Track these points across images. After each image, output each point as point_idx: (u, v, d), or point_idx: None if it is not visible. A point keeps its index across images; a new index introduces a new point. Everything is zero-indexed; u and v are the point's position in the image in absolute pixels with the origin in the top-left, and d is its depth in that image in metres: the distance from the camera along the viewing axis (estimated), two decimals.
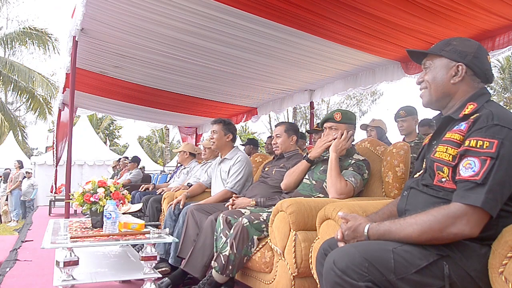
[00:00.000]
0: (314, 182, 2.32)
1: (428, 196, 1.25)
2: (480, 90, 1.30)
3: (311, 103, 6.28)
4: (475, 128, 1.17)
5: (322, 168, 2.32)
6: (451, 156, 1.20)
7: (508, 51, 3.52)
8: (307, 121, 19.37)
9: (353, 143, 2.38)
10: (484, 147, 1.12)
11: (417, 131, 3.46)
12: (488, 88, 1.38)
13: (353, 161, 2.23)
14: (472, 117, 1.20)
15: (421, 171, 1.33)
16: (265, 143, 5.61)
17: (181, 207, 3.03)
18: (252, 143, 5.53)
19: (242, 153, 3.16)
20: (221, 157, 3.21)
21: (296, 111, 18.50)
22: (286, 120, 15.68)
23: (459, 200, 1.12)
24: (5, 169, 11.49)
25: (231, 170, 3.05)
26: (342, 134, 2.23)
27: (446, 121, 1.32)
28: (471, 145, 1.15)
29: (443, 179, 1.21)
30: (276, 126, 2.90)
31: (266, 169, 2.86)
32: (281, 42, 4.04)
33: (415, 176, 1.36)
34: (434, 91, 1.34)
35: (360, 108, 20.81)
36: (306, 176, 2.38)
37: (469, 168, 1.12)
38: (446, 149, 1.22)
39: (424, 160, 1.35)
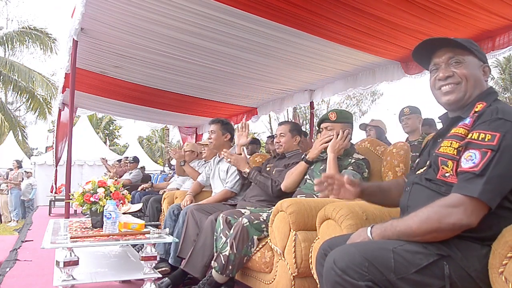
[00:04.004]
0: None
1: (431, 191, 1.24)
2: (488, 89, 1.30)
3: (311, 103, 6.28)
4: (479, 121, 1.17)
5: (322, 167, 2.32)
6: (455, 150, 1.19)
7: (508, 51, 3.52)
8: (307, 121, 19.34)
9: (352, 142, 2.37)
10: (486, 139, 1.12)
11: (421, 131, 3.48)
12: None
13: (353, 160, 2.23)
14: (477, 112, 1.20)
15: (425, 168, 1.32)
16: (265, 143, 5.64)
17: (187, 203, 3.05)
18: (255, 142, 5.62)
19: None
20: (218, 156, 3.22)
21: (296, 111, 18.46)
22: (287, 120, 15.64)
23: (457, 191, 1.12)
24: (7, 169, 11.50)
25: (230, 170, 3.05)
26: (338, 134, 2.23)
27: (454, 121, 1.30)
28: (473, 137, 1.15)
29: (447, 174, 1.21)
30: (280, 124, 2.85)
31: (268, 168, 2.86)
32: (281, 42, 4.04)
33: (417, 173, 1.34)
34: (470, 87, 1.27)
35: (360, 108, 20.76)
36: (308, 176, 2.38)
37: (469, 160, 1.12)
38: (451, 143, 1.21)
39: (429, 156, 1.33)
